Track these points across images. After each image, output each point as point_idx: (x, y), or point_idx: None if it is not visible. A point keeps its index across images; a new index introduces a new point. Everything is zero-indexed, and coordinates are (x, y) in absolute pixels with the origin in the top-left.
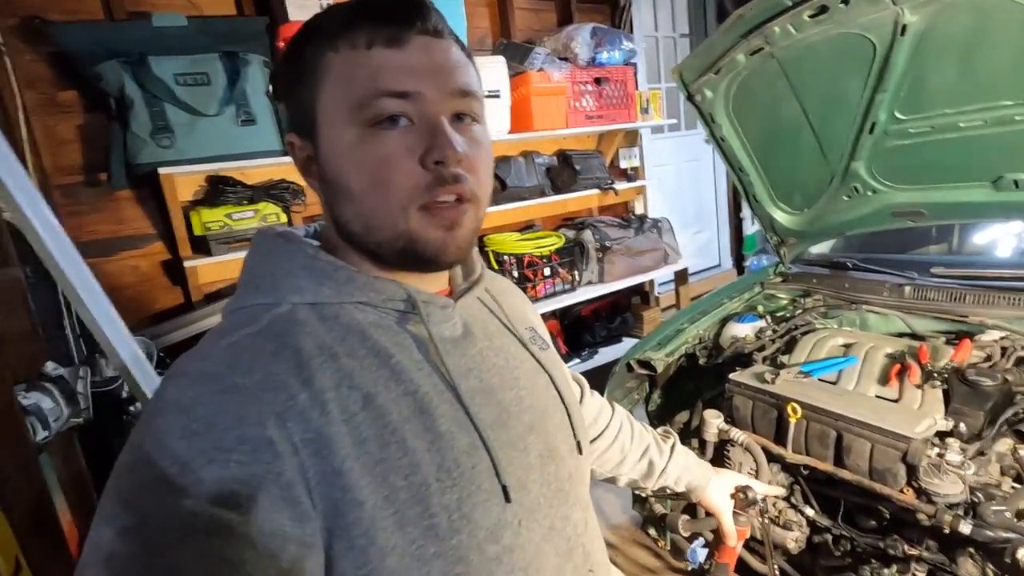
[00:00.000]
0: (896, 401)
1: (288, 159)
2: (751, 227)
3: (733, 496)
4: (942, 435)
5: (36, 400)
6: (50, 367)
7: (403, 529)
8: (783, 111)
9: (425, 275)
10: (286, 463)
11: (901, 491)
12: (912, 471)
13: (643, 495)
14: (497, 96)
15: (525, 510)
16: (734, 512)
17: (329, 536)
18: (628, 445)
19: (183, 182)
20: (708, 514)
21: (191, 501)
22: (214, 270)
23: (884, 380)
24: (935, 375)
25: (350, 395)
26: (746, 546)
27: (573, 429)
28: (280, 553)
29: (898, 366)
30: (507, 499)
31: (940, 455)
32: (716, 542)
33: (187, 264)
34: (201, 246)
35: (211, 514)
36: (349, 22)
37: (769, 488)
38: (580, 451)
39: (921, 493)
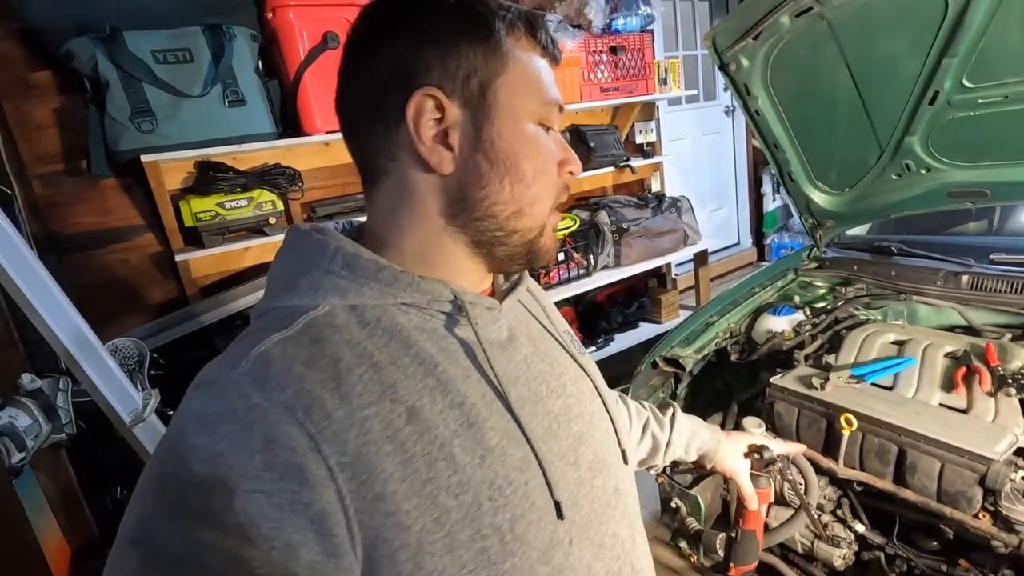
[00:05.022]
0: (965, 412)
1: (283, 142)
2: (772, 203)
3: (748, 456)
4: (1022, 453)
5: (10, 418)
6: (27, 379)
7: (453, 553)
8: (828, 80)
9: (471, 274)
10: (317, 492)
11: (976, 516)
12: (990, 495)
13: (655, 473)
14: None
15: (577, 527)
16: (752, 474)
17: (370, 566)
18: (628, 424)
19: (170, 169)
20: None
21: (210, 533)
22: (208, 263)
23: (949, 386)
24: (1009, 381)
25: (394, 409)
26: (786, 559)
27: (619, 437)
28: None
29: (964, 369)
30: (560, 516)
31: None
32: (739, 509)
33: (179, 257)
34: (193, 237)
35: (230, 548)
36: (531, 25)
37: (787, 446)
38: (626, 460)
39: (999, 518)
